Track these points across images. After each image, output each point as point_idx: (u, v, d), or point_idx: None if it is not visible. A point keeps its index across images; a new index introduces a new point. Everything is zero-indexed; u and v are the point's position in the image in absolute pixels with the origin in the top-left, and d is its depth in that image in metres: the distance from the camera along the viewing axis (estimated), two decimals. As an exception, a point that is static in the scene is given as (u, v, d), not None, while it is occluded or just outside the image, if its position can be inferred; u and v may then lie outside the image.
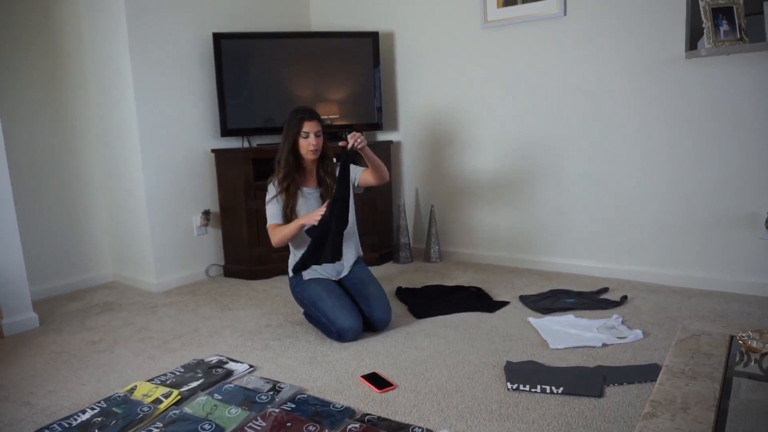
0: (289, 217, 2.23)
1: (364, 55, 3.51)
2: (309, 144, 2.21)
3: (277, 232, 2.15)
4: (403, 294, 2.87)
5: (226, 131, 3.42)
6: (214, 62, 3.38)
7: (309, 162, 2.28)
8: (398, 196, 3.77)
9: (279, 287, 3.22)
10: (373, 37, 3.51)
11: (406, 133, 3.71)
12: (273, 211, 2.21)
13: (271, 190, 2.24)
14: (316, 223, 2.06)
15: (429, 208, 3.63)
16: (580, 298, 2.67)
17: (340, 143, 2.17)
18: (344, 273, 2.40)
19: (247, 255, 3.37)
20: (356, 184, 2.36)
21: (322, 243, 2.13)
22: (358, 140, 2.15)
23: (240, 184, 3.34)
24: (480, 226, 3.48)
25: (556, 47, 3.06)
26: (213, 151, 3.44)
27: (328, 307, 2.24)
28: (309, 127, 2.21)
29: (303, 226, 2.08)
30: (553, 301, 2.66)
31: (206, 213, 3.44)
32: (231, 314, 2.79)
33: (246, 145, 3.57)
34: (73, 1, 3.23)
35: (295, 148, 2.22)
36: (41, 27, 3.14)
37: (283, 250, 3.18)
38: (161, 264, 3.28)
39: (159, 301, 3.08)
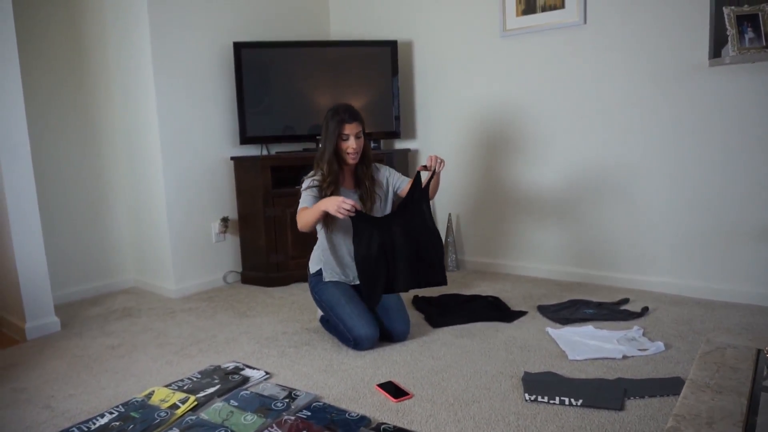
0: (327, 221, 2.18)
1: (382, 64, 3.51)
2: (349, 147, 2.16)
3: (303, 215, 2.10)
4: (419, 303, 2.84)
5: (245, 139, 3.43)
6: (234, 71, 3.40)
7: (350, 164, 2.21)
8: None
9: (296, 294, 3.21)
10: (392, 46, 3.51)
11: (423, 141, 3.70)
12: (307, 197, 2.15)
13: (308, 182, 2.18)
14: (346, 212, 1.93)
15: (446, 216, 3.62)
16: (599, 308, 2.63)
17: (419, 168, 2.13)
18: None
19: (264, 262, 3.37)
20: (398, 192, 2.33)
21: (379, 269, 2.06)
22: (441, 165, 2.11)
23: (258, 192, 3.34)
24: (497, 235, 3.46)
25: (577, 56, 3.04)
26: (232, 158, 3.44)
27: (346, 314, 2.21)
28: (350, 129, 2.15)
29: (324, 213, 2.01)
30: (572, 311, 2.62)
31: (225, 220, 3.45)
32: (248, 321, 2.79)
33: (265, 152, 3.59)
34: (99, 10, 3.28)
35: (337, 151, 2.17)
36: (68, 39, 3.21)
37: (301, 256, 3.28)
38: (180, 270, 3.29)
39: (177, 306, 3.09)
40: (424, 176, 2.17)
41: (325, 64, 3.46)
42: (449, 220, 3.55)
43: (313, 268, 2.33)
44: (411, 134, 3.74)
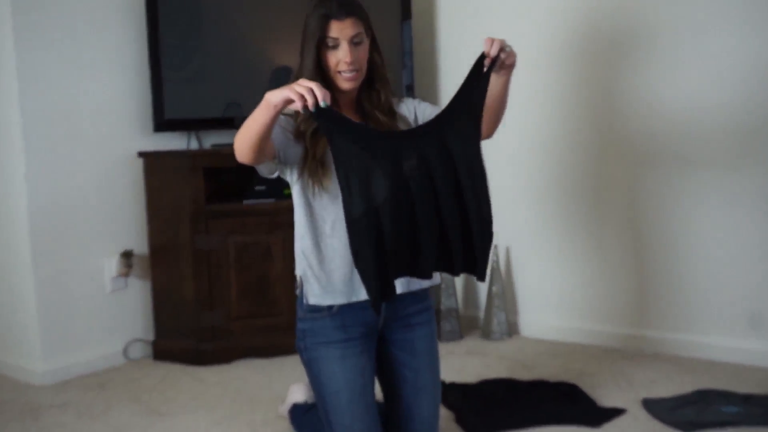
0: (314, 171, 2.06)
1: (385, 3, 3.48)
2: (339, 60, 2.04)
3: (241, 129, 1.93)
4: (450, 393, 2.85)
5: (162, 123, 3.42)
6: (146, 16, 3.37)
7: (345, 89, 2.10)
8: None
9: (243, 377, 3.19)
10: None
11: None
12: (277, 132, 2.05)
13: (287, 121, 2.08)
14: (309, 101, 1.79)
15: (491, 250, 3.49)
16: (747, 405, 2.62)
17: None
18: (392, 318, 2.19)
19: (191, 324, 3.35)
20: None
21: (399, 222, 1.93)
22: (500, 48, 1.97)
23: (184, 210, 3.33)
24: (573, 284, 3.50)
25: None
26: (141, 155, 3.43)
27: (339, 424, 2.09)
28: (339, 29, 2.02)
29: (277, 110, 1.84)
30: (701, 409, 2.62)
31: (127, 256, 3.43)
32: (163, 424, 2.79)
33: (194, 145, 3.58)
34: None
35: (320, 66, 2.05)
36: None
37: (252, 314, 3.41)
38: (52, 340, 3.25)
39: (46, 400, 3.06)
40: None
41: (293, 5, 3.31)
42: (494, 256, 3.56)
43: (301, 286, 2.21)
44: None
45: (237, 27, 3.46)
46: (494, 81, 2.03)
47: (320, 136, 2.02)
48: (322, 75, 2.08)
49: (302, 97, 1.78)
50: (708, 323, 3.19)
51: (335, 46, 2.05)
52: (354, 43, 2.06)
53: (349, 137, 1.91)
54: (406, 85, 3.59)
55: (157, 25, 3.35)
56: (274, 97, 1.80)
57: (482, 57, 1.99)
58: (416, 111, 2.25)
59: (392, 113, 2.16)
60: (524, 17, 3.48)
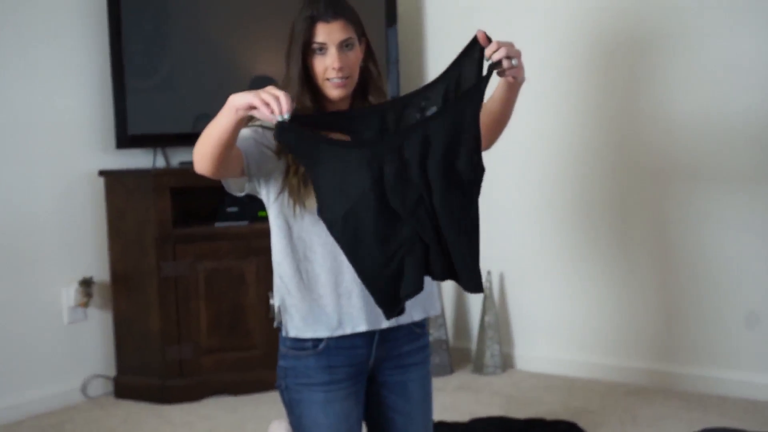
0: (295, 189, 2.00)
1: (369, 8, 3.34)
2: (327, 67, 1.97)
3: (201, 136, 1.88)
4: None
5: (126, 139, 3.40)
6: (108, 19, 3.35)
7: (334, 98, 2.03)
8: None
9: (213, 417, 3.17)
10: None
11: None
12: (250, 144, 1.98)
13: (254, 131, 2.04)
14: (274, 108, 1.73)
15: (483, 276, 3.45)
16: None
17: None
18: (385, 358, 2.11)
19: (157, 359, 3.33)
20: None
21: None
22: (513, 63, 1.91)
23: (148, 233, 3.31)
24: (573, 313, 3.50)
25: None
26: (102, 173, 3.40)
27: None
28: (326, 33, 1.97)
29: (240, 116, 1.79)
30: None
31: (86, 284, 3.38)
32: None
33: (160, 162, 3.56)
34: None
35: (308, 76, 2.00)
36: None
37: (223, 347, 3.36)
38: (3, 376, 3.21)
39: None
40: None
41: (270, 7, 3.39)
42: (487, 283, 3.56)
43: (280, 317, 2.15)
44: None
45: (208, 31, 3.46)
46: (497, 92, 2.00)
47: None
48: (310, 83, 2.01)
49: (267, 105, 1.71)
50: (719, 356, 3.16)
51: (323, 51, 1.97)
52: (343, 47, 1.98)
53: (316, 155, 1.84)
54: (391, 96, 3.48)
55: (119, 28, 3.32)
56: (237, 100, 1.75)
57: (478, 48, 1.94)
58: None
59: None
60: (520, 19, 3.47)
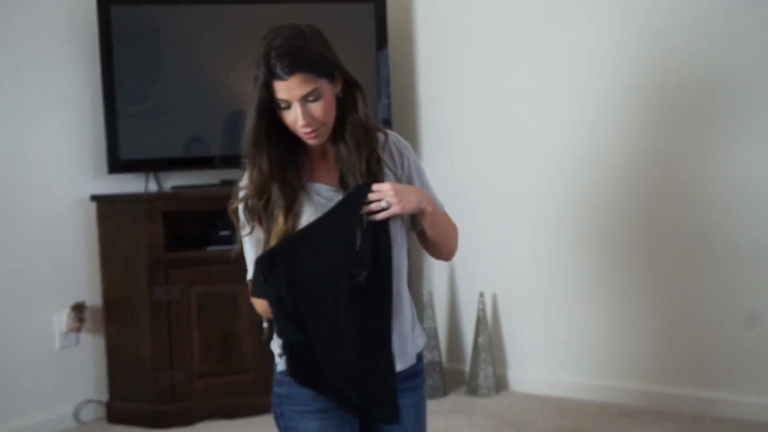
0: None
1: (361, 30, 3.52)
2: (294, 121, 1.93)
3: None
4: None
5: (117, 164, 3.41)
6: (99, 44, 3.36)
7: (313, 146, 2.03)
8: (420, 276, 3.74)
9: None
10: (376, 1, 3.56)
11: (434, 165, 3.58)
12: (253, 251, 1.96)
13: (236, 219, 2.00)
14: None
15: (476, 298, 3.59)
16: None
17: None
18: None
19: (149, 384, 3.32)
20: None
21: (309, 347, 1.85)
22: (387, 201, 1.89)
23: (140, 257, 3.32)
24: (567, 334, 3.49)
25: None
26: (94, 198, 3.42)
27: None
28: (285, 90, 1.91)
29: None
30: None
31: (78, 309, 3.39)
32: None
33: (152, 187, 3.56)
34: None
35: (273, 125, 1.96)
36: None
37: (215, 373, 3.38)
38: None
39: None
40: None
41: (260, 33, 3.30)
42: (480, 304, 3.55)
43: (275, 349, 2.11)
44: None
45: (199, 56, 3.46)
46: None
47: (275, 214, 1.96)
48: (278, 131, 1.97)
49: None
50: (713, 377, 3.16)
51: (286, 108, 1.93)
52: (307, 100, 1.93)
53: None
54: (383, 119, 3.58)
55: (111, 54, 3.33)
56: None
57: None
58: (404, 166, 2.13)
59: (376, 160, 2.02)
60: (515, 41, 3.47)
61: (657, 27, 3.20)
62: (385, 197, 1.88)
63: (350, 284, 1.89)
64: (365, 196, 1.92)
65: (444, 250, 2.11)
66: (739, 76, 3.10)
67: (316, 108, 1.90)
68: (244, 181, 2.00)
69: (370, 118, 2.03)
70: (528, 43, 3.44)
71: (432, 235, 2.02)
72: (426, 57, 3.70)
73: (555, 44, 3.38)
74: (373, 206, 1.90)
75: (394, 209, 1.88)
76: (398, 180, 2.09)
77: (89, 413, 3.41)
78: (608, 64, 3.29)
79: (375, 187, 1.91)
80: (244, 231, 1.96)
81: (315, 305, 1.86)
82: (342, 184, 1.99)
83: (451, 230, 2.07)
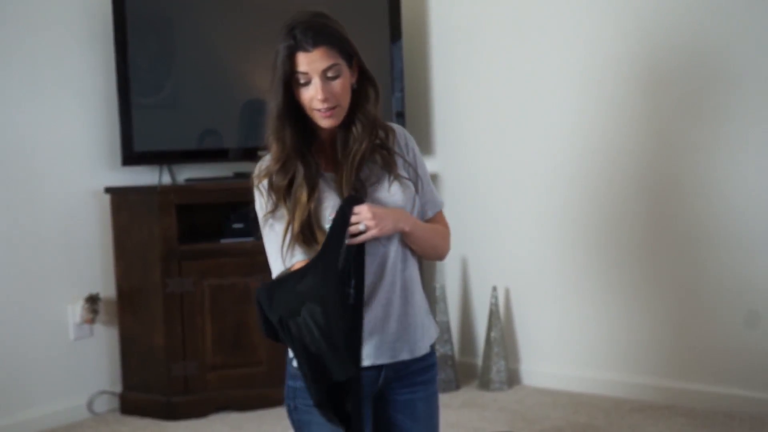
0: (312, 231, 1.99)
1: (374, 22, 3.51)
2: (312, 98, 1.95)
3: None
4: None
5: (131, 156, 3.41)
6: (114, 36, 3.37)
7: (326, 128, 2.02)
8: (433, 270, 3.73)
9: None
10: None
11: (447, 159, 3.71)
12: (275, 241, 1.96)
13: (260, 195, 2.01)
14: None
15: (489, 291, 3.58)
16: None
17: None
18: (394, 378, 2.09)
19: (162, 376, 3.34)
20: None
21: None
22: (365, 225, 1.91)
23: (154, 249, 3.32)
24: (580, 329, 3.48)
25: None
26: (108, 190, 3.44)
27: None
28: (308, 62, 1.93)
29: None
30: None
31: (93, 301, 3.40)
32: None
33: (167, 180, 3.57)
34: None
35: (291, 108, 1.97)
36: None
37: (228, 365, 3.39)
38: (9, 393, 3.21)
39: None
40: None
41: (273, 24, 3.32)
42: (493, 298, 3.55)
43: (291, 368, 2.11)
44: (425, 146, 3.74)
45: (213, 47, 3.46)
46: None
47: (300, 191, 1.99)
48: (297, 113, 1.99)
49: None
50: (725, 372, 3.15)
51: (306, 82, 1.95)
52: (327, 76, 1.95)
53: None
54: (396, 112, 3.59)
55: (125, 46, 3.34)
56: None
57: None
58: (410, 156, 2.15)
59: (385, 150, 2.05)
60: (530, 34, 3.46)
61: (681, 21, 3.16)
62: (363, 220, 1.91)
63: (344, 304, 1.92)
64: (348, 220, 1.94)
65: (430, 256, 2.14)
66: (754, 73, 3.08)
67: (336, 85, 1.92)
68: (265, 161, 2.01)
69: (379, 115, 2.05)
70: (543, 36, 3.43)
71: (414, 248, 2.06)
72: (440, 50, 3.70)
73: (570, 37, 3.36)
74: (352, 229, 1.92)
75: (372, 233, 1.90)
76: (408, 165, 2.10)
77: (103, 404, 3.42)
78: (627, 57, 3.28)
79: (355, 209, 1.93)
80: (268, 208, 1.97)
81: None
82: (335, 170, 2.02)
83: (436, 239, 2.09)
